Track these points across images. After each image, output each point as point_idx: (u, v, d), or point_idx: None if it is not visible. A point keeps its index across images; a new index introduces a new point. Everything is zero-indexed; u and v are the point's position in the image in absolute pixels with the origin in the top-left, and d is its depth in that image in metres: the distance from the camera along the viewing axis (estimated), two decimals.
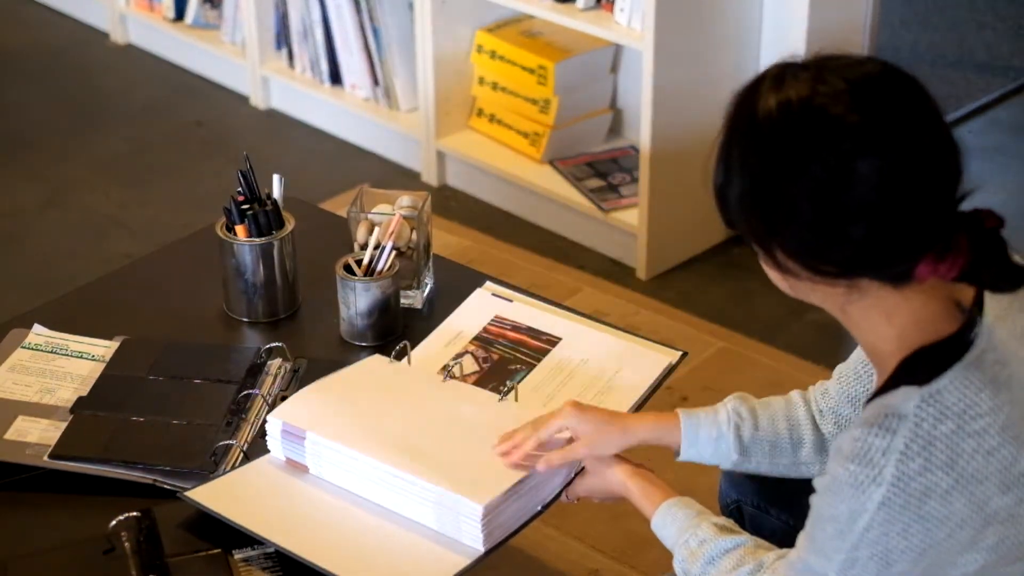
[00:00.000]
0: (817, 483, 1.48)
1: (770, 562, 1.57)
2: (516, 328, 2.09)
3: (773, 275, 1.51)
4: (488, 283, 2.18)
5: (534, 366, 2.02)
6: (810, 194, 1.39)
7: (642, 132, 3.34)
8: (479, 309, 2.12)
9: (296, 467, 1.82)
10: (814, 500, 1.48)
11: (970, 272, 1.42)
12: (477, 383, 1.97)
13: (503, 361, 2.03)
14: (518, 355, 2.04)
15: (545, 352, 2.04)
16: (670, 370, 2.00)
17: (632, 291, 3.38)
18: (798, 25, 3.33)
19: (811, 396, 1.80)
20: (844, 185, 1.38)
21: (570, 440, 1.76)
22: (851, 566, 1.45)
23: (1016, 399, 1.44)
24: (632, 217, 3.44)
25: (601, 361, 2.01)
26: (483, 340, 2.07)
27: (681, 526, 1.65)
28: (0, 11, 4.83)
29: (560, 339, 2.06)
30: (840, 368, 1.78)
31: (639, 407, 1.94)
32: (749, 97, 1.45)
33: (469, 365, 2.01)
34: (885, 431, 1.40)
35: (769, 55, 3.40)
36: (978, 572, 1.46)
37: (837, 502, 1.43)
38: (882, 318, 1.47)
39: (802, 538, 1.51)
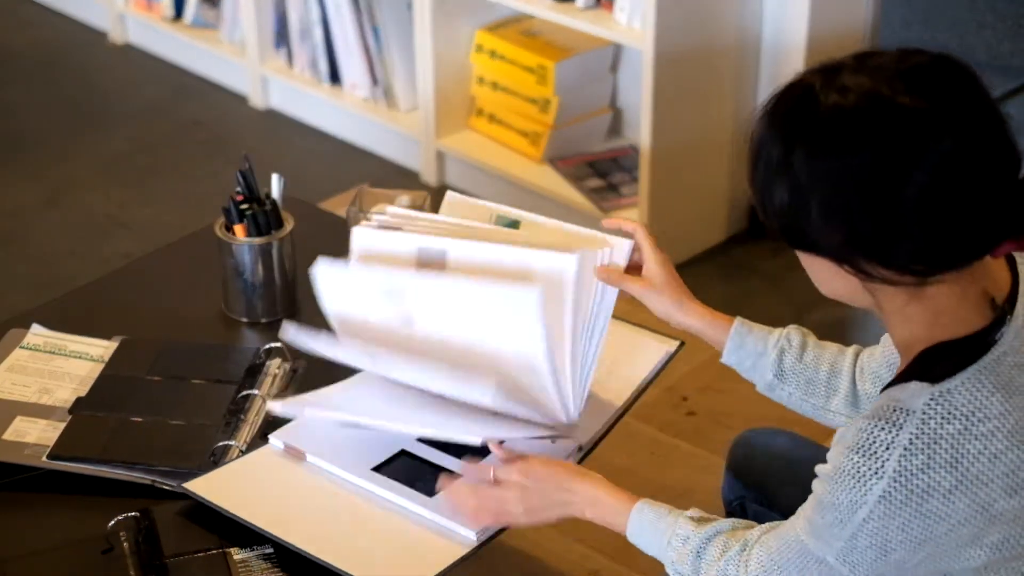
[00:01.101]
0: (819, 469, 1.48)
1: (756, 538, 1.56)
2: None
3: (831, 280, 1.49)
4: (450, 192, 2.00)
5: None
6: (914, 195, 1.37)
7: (642, 132, 3.34)
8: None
9: (294, 454, 1.82)
10: (816, 485, 1.48)
11: None
12: None
13: None
14: None
15: None
16: (669, 359, 2.00)
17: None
18: (798, 25, 3.32)
19: (861, 355, 1.79)
20: (936, 174, 1.36)
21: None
22: (849, 553, 1.45)
23: None
24: (632, 217, 3.44)
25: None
26: None
27: (657, 528, 1.62)
28: (0, 11, 4.83)
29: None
30: (886, 335, 1.76)
31: (636, 399, 1.93)
32: (803, 104, 1.41)
33: None
34: (891, 425, 1.41)
35: (769, 55, 3.40)
36: (982, 567, 1.46)
37: (838, 491, 1.44)
38: (929, 308, 1.46)
39: (801, 520, 1.50)
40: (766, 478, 1.90)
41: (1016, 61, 4.56)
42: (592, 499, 1.66)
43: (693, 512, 1.63)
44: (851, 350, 1.80)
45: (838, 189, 1.39)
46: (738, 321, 1.80)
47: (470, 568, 1.71)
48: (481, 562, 2.44)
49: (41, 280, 3.44)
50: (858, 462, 1.41)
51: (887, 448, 1.40)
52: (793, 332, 1.79)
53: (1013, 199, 1.40)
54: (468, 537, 1.71)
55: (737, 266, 3.47)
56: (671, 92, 3.30)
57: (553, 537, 2.62)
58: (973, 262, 1.43)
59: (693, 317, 1.80)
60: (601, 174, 3.63)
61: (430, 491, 1.76)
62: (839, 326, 3.19)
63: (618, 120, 3.80)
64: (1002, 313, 1.45)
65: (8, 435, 1.88)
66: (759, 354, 1.78)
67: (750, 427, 2.05)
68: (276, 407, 1.83)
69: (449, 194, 1.93)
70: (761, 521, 1.89)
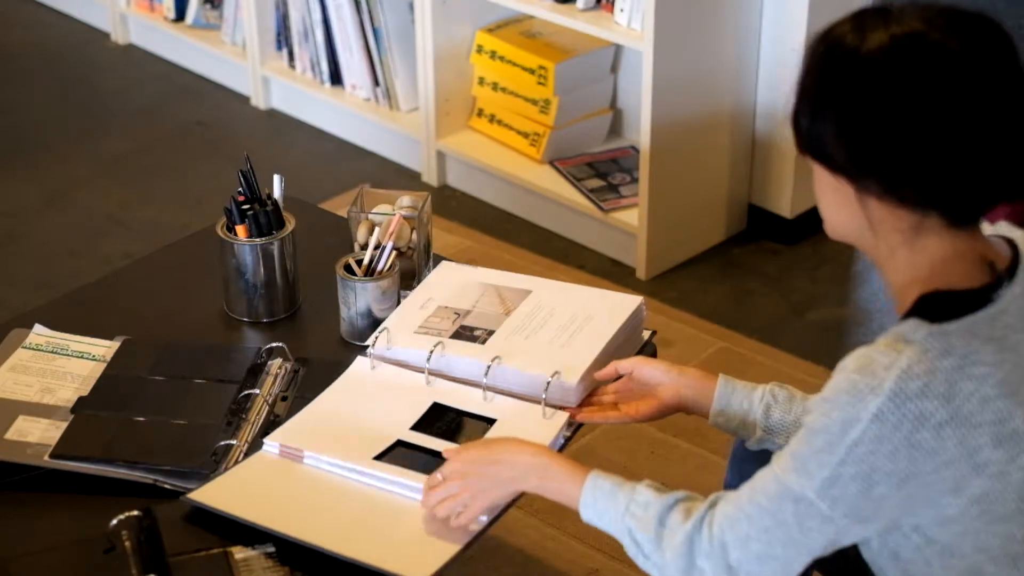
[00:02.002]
0: (812, 401, 1.50)
1: (720, 496, 1.56)
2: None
3: (838, 210, 1.53)
4: (445, 261, 2.18)
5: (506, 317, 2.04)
6: (927, 124, 1.43)
7: (642, 132, 3.34)
8: (444, 279, 2.13)
9: (291, 455, 1.83)
10: (806, 419, 1.49)
11: None
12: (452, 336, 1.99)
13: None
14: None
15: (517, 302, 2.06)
16: (640, 315, 2.04)
17: (632, 291, 3.37)
18: (798, 25, 3.33)
19: None
20: (963, 121, 1.42)
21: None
22: (832, 485, 1.45)
23: (1020, 363, 1.47)
24: (632, 217, 3.44)
25: (571, 309, 2.03)
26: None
27: (615, 498, 1.61)
28: (0, 11, 4.83)
29: (530, 291, 2.08)
30: None
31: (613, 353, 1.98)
32: (846, 38, 1.47)
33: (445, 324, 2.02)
34: (891, 350, 1.44)
35: (769, 55, 3.41)
36: (957, 519, 1.47)
37: (832, 410, 1.45)
38: (921, 256, 1.50)
39: (783, 458, 1.50)
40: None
41: None
42: (536, 467, 1.67)
43: (650, 482, 1.62)
44: None
45: (863, 111, 1.44)
46: (722, 379, 1.81)
47: (471, 567, 1.72)
48: (481, 562, 2.45)
49: (41, 280, 3.44)
50: (855, 380, 1.44)
51: (886, 368, 1.43)
52: (777, 388, 1.81)
53: (1018, 163, 1.45)
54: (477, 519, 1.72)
55: (737, 266, 3.47)
56: (671, 92, 3.31)
57: (553, 536, 2.62)
58: (966, 215, 1.48)
59: (684, 383, 1.83)
60: (601, 174, 3.63)
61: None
62: (839, 326, 3.19)
63: (618, 120, 3.81)
64: (1000, 277, 1.50)
65: (10, 435, 1.88)
66: (745, 412, 1.80)
67: None
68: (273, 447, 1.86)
69: (444, 263, 2.12)
70: None
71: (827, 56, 1.48)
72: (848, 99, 1.46)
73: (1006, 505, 1.47)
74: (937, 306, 1.48)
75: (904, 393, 1.42)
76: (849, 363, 1.46)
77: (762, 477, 1.51)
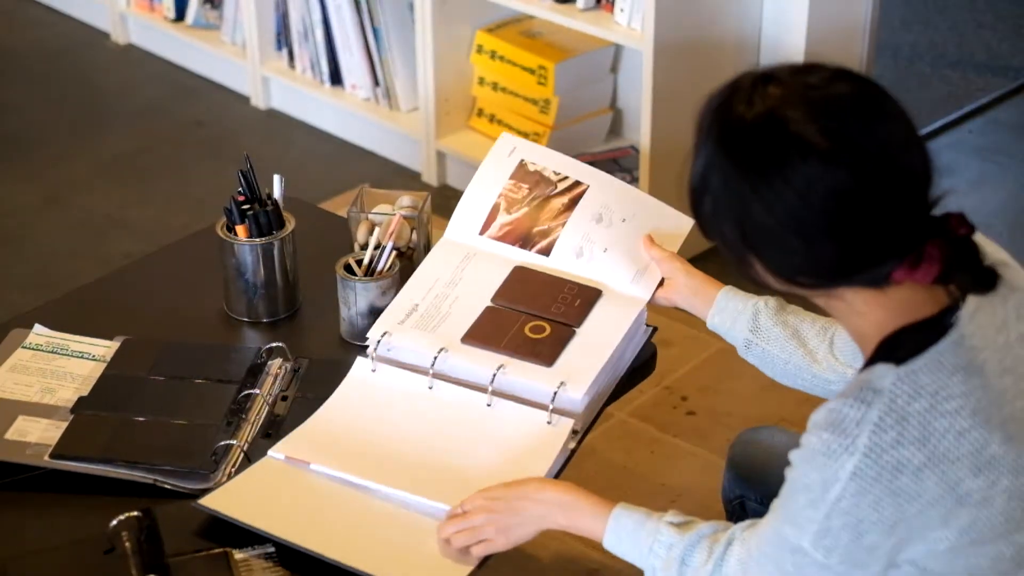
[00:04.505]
0: (792, 455, 1.50)
1: (739, 534, 1.57)
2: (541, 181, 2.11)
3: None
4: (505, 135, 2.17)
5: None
6: (780, 211, 1.42)
7: (642, 132, 3.34)
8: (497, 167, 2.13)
9: (298, 462, 1.82)
10: (788, 472, 1.50)
11: (944, 277, 1.44)
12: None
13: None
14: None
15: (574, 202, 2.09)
16: (643, 319, 2.06)
17: None
18: (798, 25, 3.33)
19: (833, 329, 1.84)
20: (810, 203, 1.40)
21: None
22: (824, 536, 1.46)
23: (988, 385, 1.47)
24: None
25: (632, 214, 2.16)
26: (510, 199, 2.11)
27: (637, 535, 1.62)
28: (0, 11, 4.84)
29: (587, 186, 2.11)
30: None
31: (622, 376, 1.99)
32: (724, 105, 1.49)
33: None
34: (860, 403, 1.43)
35: (769, 55, 3.41)
36: (949, 550, 1.47)
37: (810, 471, 1.45)
38: (866, 308, 1.49)
39: (775, 508, 1.52)
40: (766, 476, 1.91)
41: (1016, 61, 4.56)
42: (564, 504, 1.67)
43: (672, 516, 1.63)
44: (824, 319, 1.84)
45: (726, 192, 1.46)
46: (726, 288, 1.91)
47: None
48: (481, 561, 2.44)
49: (41, 280, 3.44)
50: (828, 440, 1.44)
51: (857, 424, 1.42)
52: (772, 298, 1.86)
53: (904, 228, 1.42)
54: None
55: None
56: (671, 92, 3.31)
57: (553, 536, 2.62)
58: (863, 281, 1.46)
59: (710, 302, 1.93)
60: None
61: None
62: None
63: (618, 120, 3.81)
64: (956, 298, 1.48)
65: (10, 435, 1.88)
66: (738, 312, 1.87)
67: (750, 426, 2.06)
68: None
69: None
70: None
71: (707, 134, 1.51)
72: (720, 185, 1.47)
73: (993, 528, 1.48)
74: (901, 345, 1.46)
75: (879, 447, 1.42)
76: (819, 417, 1.46)
77: (765, 524, 1.53)
